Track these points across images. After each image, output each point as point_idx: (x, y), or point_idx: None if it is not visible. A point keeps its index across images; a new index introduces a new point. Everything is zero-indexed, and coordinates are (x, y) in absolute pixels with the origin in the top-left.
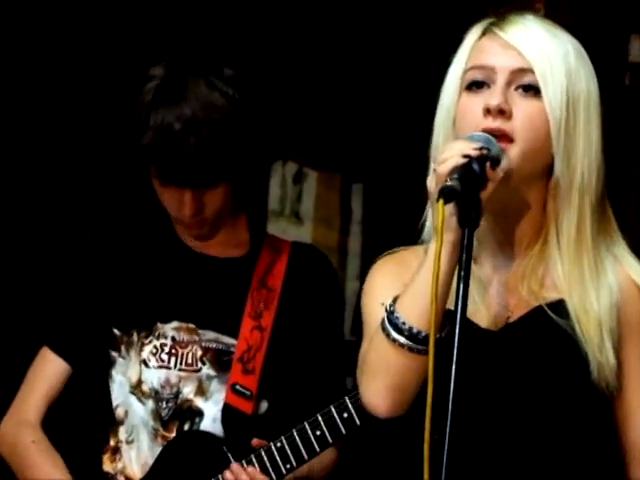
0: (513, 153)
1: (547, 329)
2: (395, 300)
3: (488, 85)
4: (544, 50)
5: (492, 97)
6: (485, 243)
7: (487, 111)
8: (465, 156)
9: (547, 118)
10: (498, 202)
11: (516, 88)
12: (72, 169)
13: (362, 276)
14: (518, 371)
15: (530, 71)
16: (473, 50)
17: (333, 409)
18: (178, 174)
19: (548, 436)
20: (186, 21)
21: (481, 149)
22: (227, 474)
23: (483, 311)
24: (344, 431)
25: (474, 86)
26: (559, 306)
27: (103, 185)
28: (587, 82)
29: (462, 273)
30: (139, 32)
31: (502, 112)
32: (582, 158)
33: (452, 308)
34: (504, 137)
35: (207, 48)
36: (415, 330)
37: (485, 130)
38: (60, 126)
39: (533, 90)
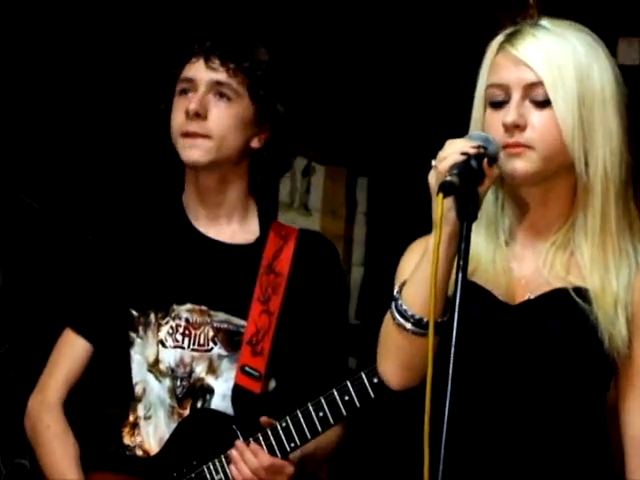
0: (534, 157)
1: (564, 309)
2: (402, 287)
3: (507, 101)
4: (553, 61)
5: (508, 114)
6: (519, 225)
7: (505, 127)
8: (464, 153)
9: (561, 127)
10: (527, 195)
11: (530, 100)
12: (93, 159)
13: (366, 263)
14: (530, 344)
15: (541, 84)
16: (491, 67)
17: (335, 392)
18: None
19: (558, 403)
20: (200, 19)
21: (479, 147)
22: (232, 451)
23: (504, 286)
24: (345, 413)
25: (495, 104)
26: (580, 292)
27: (123, 176)
28: (601, 77)
29: (461, 262)
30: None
31: (517, 126)
32: (602, 151)
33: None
34: (525, 147)
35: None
36: (418, 317)
37: (506, 145)
38: (82, 114)
39: (545, 101)
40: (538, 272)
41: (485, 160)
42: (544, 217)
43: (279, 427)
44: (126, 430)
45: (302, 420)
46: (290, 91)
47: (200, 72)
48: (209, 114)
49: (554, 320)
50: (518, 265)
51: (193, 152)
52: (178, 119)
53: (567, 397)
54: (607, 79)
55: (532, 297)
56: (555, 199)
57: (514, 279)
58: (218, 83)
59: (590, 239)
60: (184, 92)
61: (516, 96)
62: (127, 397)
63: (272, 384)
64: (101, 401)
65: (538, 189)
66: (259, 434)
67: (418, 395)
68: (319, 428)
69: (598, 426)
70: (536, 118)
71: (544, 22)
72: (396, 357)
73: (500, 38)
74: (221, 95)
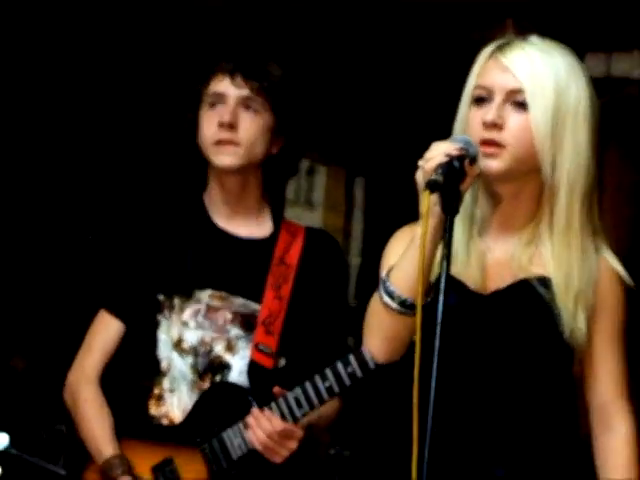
0: (506, 157)
1: (529, 298)
2: (389, 271)
3: (488, 101)
4: (536, 73)
5: (488, 113)
6: (488, 222)
7: (484, 124)
8: (447, 155)
9: (534, 131)
10: (495, 192)
11: (511, 104)
12: (125, 162)
13: (363, 253)
14: (500, 330)
15: (522, 91)
16: (480, 71)
17: (339, 364)
18: (240, 57)
19: (519, 385)
20: (220, 38)
21: (461, 149)
22: (249, 418)
23: (477, 277)
24: (348, 382)
25: (479, 101)
26: (543, 281)
27: (152, 177)
28: (577, 95)
29: (445, 251)
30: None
31: (495, 125)
32: (569, 160)
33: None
34: (497, 145)
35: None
36: (403, 297)
37: (482, 141)
38: (122, 126)
39: (524, 106)
40: (507, 264)
41: (466, 161)
42: (514, 213)
43: (290, 396)
44: (152, 402)
45: (310, 389)
46: (303, 103)
47: (229, 88)
48: (239, 125)
49: (522, 305)
50: (490, 257)
51: (225, 158)
52: (211, 129)
53: (533, 375)
54: (583, 97)
55: (502, 287)
56: (524, 197)
57: (486, 270)
58: (247, 98)
59: (555, 237)
60: (213, 105)
61: (498, 98)
62: (153, 372)
63: (282, 361)
64: (130, 375)
65: (509, 187)
66: (272, 403)
67: (405, 369)
68: (325, 396)
69: (565, 398)
70: (513, 121)
71: (534, 39)
72: (381, 333)
73: (492, 47)
74: (248, 108)
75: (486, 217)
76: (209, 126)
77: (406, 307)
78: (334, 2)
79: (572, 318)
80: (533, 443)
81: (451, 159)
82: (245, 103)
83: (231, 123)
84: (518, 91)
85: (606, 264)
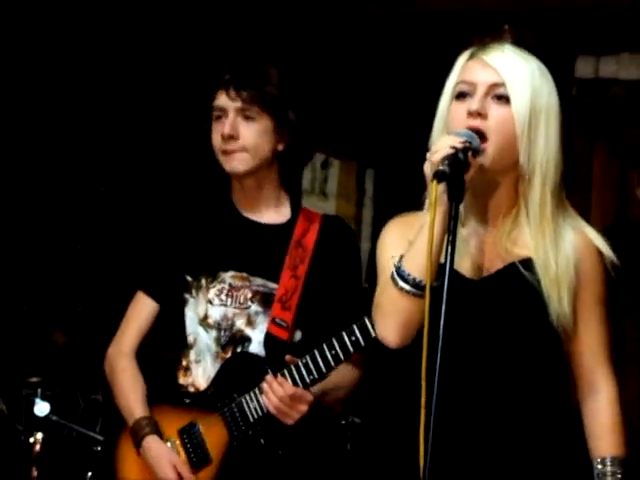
0: (489, 146)
1: (517, 281)
2: (401, 257)
3: (471, 95)
4: (515, 70)
5: (473, 103)
6: (471, 212)
7: (469, 113)
8: (453, 147)
9: (514, 121)
10: (480, 183)
11: (492, 97)
12: (162, 162)
13: (373, 238)
14: (492, 313)
15: (503, 85)
16: (462, 69)
17: (344, 334)
18: (238, 73)
19: (516, 366)
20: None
21: (464, 142)
22: (263, 384)
23: (468, 264)
24: (352, 350)
25: (461, 96)
26: (528, 263)
27: (184, 173)
28: (548, 96)
29: (450, 237)
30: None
31: (480, 114)
32: (542, 154)
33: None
34: (481, 134)
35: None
36: (417, 280)
37: (468, 127)
38: (154, 133)
39: (504, 99)
40: (494, 250)
41: (470, 153)
42: (494, 203)
43: (300, 363)
44: (180, 372)
45: (318, 357)
46: (299, 100)
47: (226, 102)
48: (240, 134)
49: (512, 287)
50: (476, 244)
51: (233, 164)
52: (217, 140)
53: (527, 353)
54: (553, 101)
55: (491, 272)
56: (503, 188)
57: (475, 257)
58: (242, 109)
59: (532, 224)
60: (219, 118)
61: (481, 91)
62: (181, 345)
63: (298, 335)
64: (161, 348)
65: (490, 178)
66: (284, 369)
67: (413, 347)
68: (332, 363)
69: (556, 372)
70: (495, 112)
71: (509, 45)
72: (396, 316)
73: (472, 49)
74: (246, 117)
75: (468, 208)
76: (216, 137)
77: (418, 289)
78: (343, 11)
79: (558, 302)
80: (531, 415)
81: (456, 151)
82: (242, 113)
83: (231, 135)
84: (499, 85)
85: (586, 241)
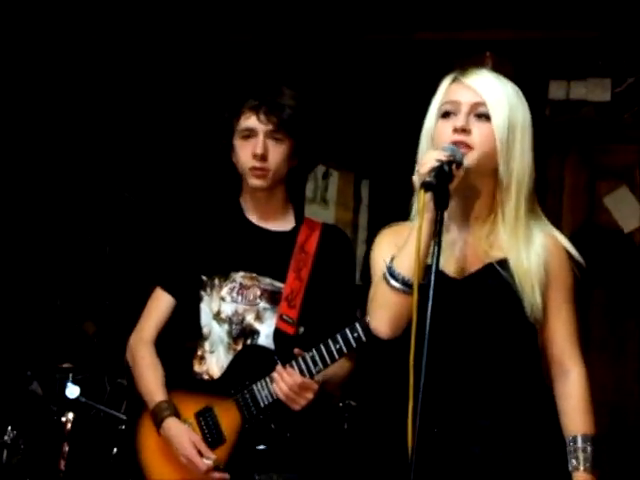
0: (473, 156)
1: (495, 279)
2: (392, 259)
3: (455, 114)
4: (494, 91)
5: (458, 121)
6: (453, 218)
7: (455, 129)
8: (438, 160)
9: (494, 136)
10: (462, 191)
11: (474, 115)
12: (178, 170)
13: (368, 241)
14: (473, 307)
15: (484, 104)
16: (446, 91)
17: (347, 330)
18: (267, 98)
19: (496, 354)
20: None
21: (449, 156)
22: (274, 373)
23: (452, 265)
24: (354, 345)
25: (446, 114)
26: (504, 263)
27: (199, 183)
28: (523, 114)
29: (437, 240)
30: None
31: (464, 130)
32: (518, 164)
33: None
34: (467, 146)
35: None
36: (406, 278)
37: (454, 142)
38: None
39: (485, 117)
40: (474, 252)
41: (454, 165)
42: (475, 208)
43: (307, 356)
44: (196, 361)
45: (324, 350)
46: (314, 128)
47: (256, 124)
48: (269, 155)
49: (490, 285)
50: (458, 247)
51: (258, 181)
52: (247, 157)
53: (505, 342)
54: (527, 119)
55: (472, 272)
56: (483, 195)
57: (457, 258)
58: (272, 131)
59: (507, 228)
60: (247, 137)
61: (465, 110)
62: (196, 337)
63: (302, 329)
64: (178, 339)
65: (471, 186)
66: (293, 361)
67: (403, 338)
68: (336, 356)
69: (532, 357)
70: (478, 128)
71: (487, 70)
72: (388, 310)
73: (453, 74)
74: (274, 139)
75: (452, 215)
76: (245, 154)
77: (407, 286)
78: (342, 38)
79: (531, 296)
80: (509, 398)
81: (442, 164)
82: (271, 135)
83: (263, 155)
84: (481, 104)
85: (555, 242)
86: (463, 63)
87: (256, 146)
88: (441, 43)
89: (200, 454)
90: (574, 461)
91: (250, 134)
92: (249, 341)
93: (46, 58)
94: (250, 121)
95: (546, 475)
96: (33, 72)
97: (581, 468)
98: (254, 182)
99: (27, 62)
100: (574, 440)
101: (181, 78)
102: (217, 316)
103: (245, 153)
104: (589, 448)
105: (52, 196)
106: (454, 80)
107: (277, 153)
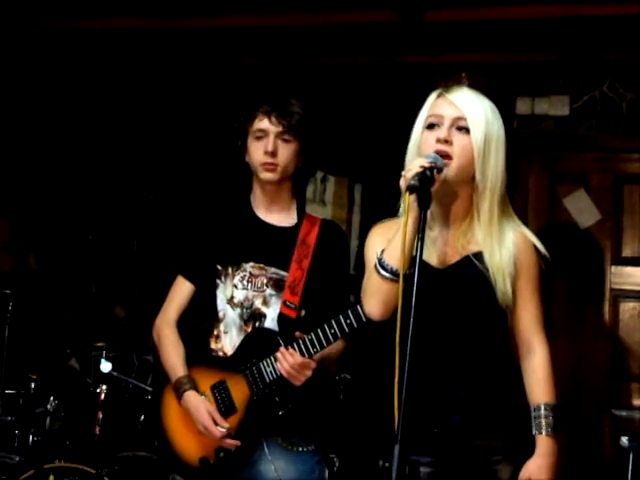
0: (453, 165)
1: (472, 270)
2: (382, 252)
3: (439, 126)
4: (473, 107)
5: (441, 132)
6: (436, 218)
7: (438, 140)
8: (422, 166)
9: (472, 147)
10: (443, 195)
11: (456, 128)
12: (194, 172)
13: (361, 237)
14: (452, 293)
15: (464, 119)
16: (432, 105)
17: (341, 317)
18: (280, 106)
19: (471, 335)
20: (257, 87)
21: (431, 162)
22: (278, 353)
23: (434, 257)
24: (347, 330)
25: (431, 126)
26: (479, 256)
27: (215, 183)
28: (498, 129)
29: (420, 235)
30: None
31: (446, 141)
32: (492, 172)
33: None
34: (448, 156)
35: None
36: (394, 269)
37: (437, 151)
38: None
39: (465, 130)
40: (453, 246)
41: (435, 170)
42: (454, 210)
43: (306, 338)
44: (212, 339)
45: (320, 334)
46: (318, 132)
47: (268, 126)
48: (278, 152)
49: (468, 275)
50: (440, 242)
51: (269, 175)
52: (259, 155)
53: (480, 324)
54: (501, 132)
55: (452, 263)
56: (461, 198)
57: (439, 252)
58: (282, 133)
59: (482, 226)
60: (260, 138)
61: (447, 123)
62: (213, 319)
63: (303, 313)
64: (197, 321)
65: (451, 191)
66: (294, 343)
67: (391, 322)
68: (331, 339)
69: (503, 338)
70: (459, 140)
71: (467, 88)
72: (378, 298)
73: (439, 90)
74: (284, 140)
75: (435, 215)
76: (257, 152)
77: (395, 275)
78: (337, 60)
79: (502, 285)
80: (483, 373)
81: (424, 170)
82: (281, 136)
83: (273, 152)
84: (461, 118)
85: (524, 238)
86: (447, 80)
87: (267, 145)
88: (424, 65)
89: (215, 423)
90: (538, 426)
91: (262, 135)
92: (257, 323)
93: (82, 72)
94: (262, 123)
95: (514, 438)
96: (68, 82)
97: (543, 432)
98: (265, 175)
99: (66, 71)
100: (538, 408)
101: (197, 98)
102: (230, 301)
103: (258, 151)
104: (551, 415)
105: (90, 201)
106: (439, 95)
107: (286, 151)
